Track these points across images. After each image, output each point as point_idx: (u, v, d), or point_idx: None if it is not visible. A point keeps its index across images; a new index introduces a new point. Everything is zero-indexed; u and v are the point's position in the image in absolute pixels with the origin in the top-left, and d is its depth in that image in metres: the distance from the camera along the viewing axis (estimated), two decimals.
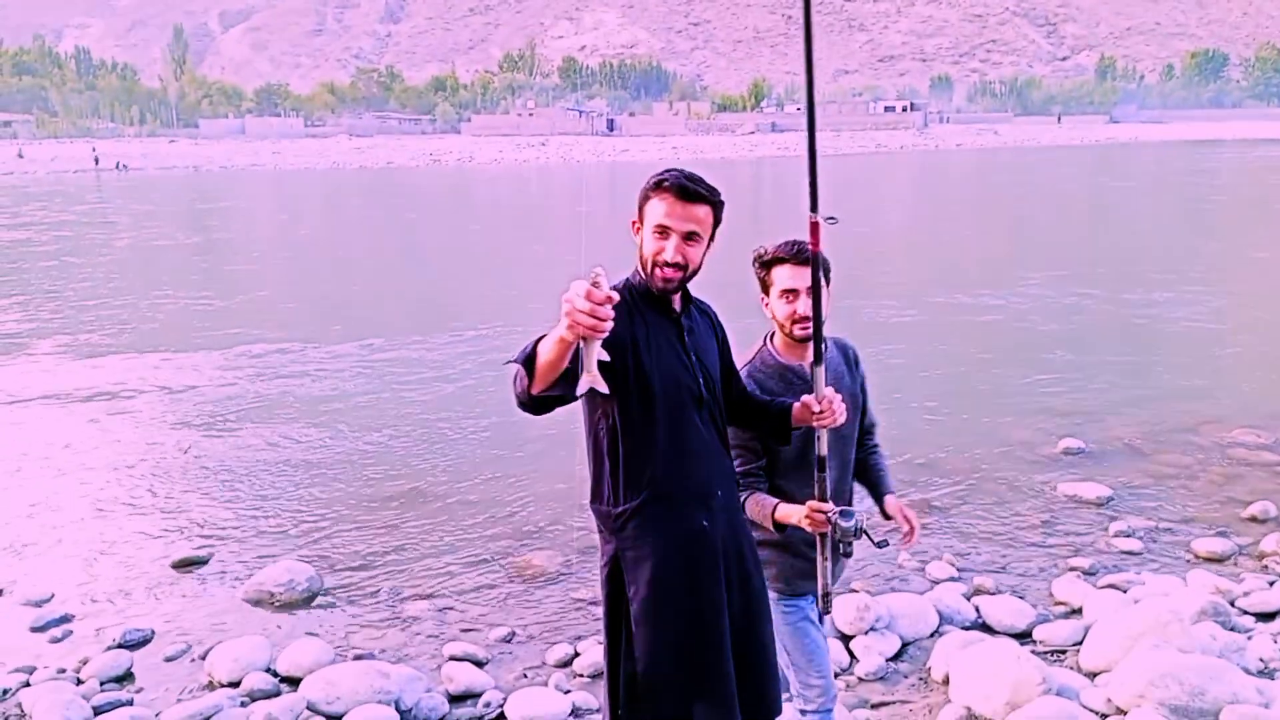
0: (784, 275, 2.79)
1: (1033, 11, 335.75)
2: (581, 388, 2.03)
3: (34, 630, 4.87)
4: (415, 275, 18.29)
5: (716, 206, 2.48)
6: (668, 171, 2.46)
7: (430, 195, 42.17)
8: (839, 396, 2.64)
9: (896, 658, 4.43)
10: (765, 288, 2.87)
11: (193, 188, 46.97)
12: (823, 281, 2.71)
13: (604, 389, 2.06)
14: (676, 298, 2.54)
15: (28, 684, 4.30)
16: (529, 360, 2.13)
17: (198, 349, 11.48)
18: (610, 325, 1.95)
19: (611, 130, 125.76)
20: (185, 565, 5.60)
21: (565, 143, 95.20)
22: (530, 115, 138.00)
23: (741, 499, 2.75)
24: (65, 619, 4.97)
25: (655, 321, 2.50)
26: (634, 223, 2.50)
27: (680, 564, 2.46)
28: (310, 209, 36.86)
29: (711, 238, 2.50)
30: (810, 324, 2.70)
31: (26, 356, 11.29)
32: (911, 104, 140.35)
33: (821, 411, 2.60)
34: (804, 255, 2.74)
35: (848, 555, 2.74)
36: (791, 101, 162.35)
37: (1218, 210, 29.22)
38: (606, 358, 2.05)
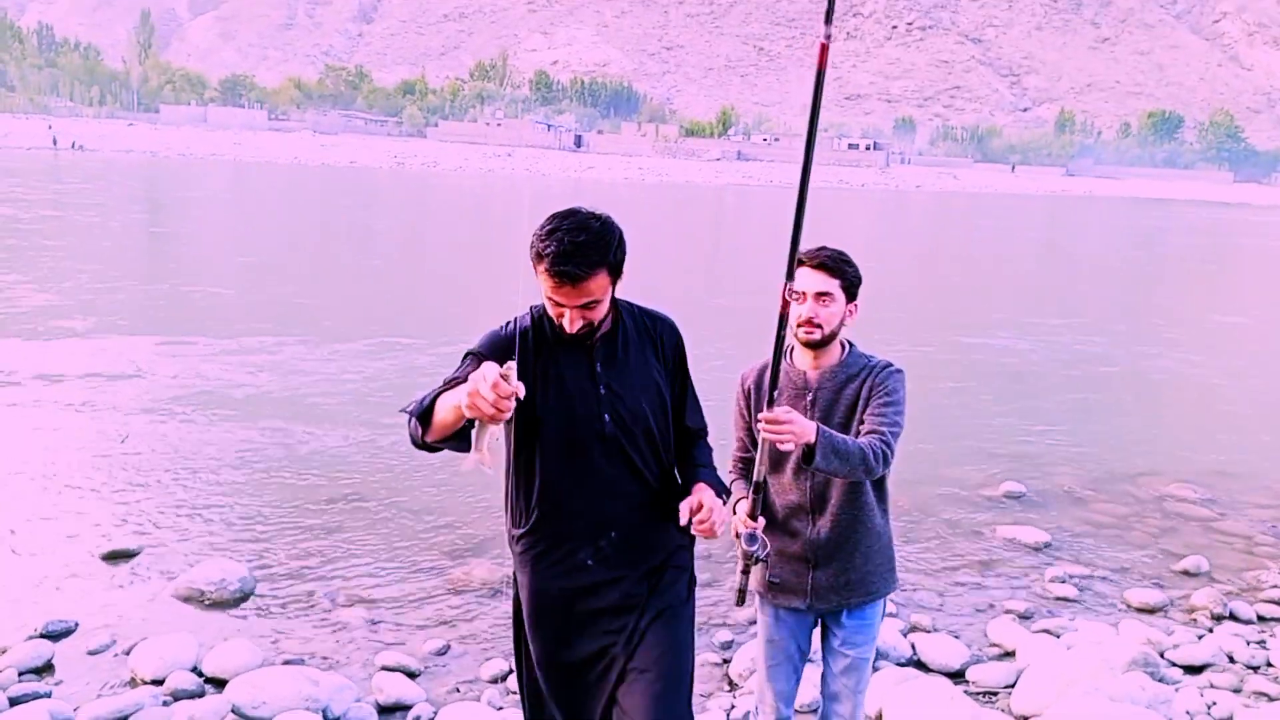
0: (800, 277, 2.79)
1: (998, 61, 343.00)
2: (467, 465, 2.05)
3: None
4: (372, 279, 18.12)
5: (613, 266, 2.33)
6: (547, 241, 2.25)
7: (391, 199, 41.86)
8: (795, 419, 2.53)
9: None
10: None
11: (150, 174, 46.16)
12: (840, 293, 2.80)
13: (489, 472, 2.08)
14: None
15: None
16: (425, 414, 2.19)
17: (144, 337, 11.26)
18: (508, 417, 1.96)
19: (579, 147, 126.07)
20: (115, 557, 5.45)
21: (531, 155, 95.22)
22: (498, 125, 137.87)
23: (729, 483, 2.83)
24: None
25: (562, 352, 2.43)
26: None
27: (553, 596, 2.51)
28: (269, 204, 36.40)
29: (617, 279, 2.38)
30: (815, 329, 2.80)
31: None
32: (875, 143, 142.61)
33: (769, 424, 2.55)
34: (820, 260, 2.80)
35: (745, 574, 2.73)
36: (758, 132, 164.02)
37: (1172, 266, 29.95)
38: (500, 440, 2.07)
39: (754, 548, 2.67)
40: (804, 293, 2.78)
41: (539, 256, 2.26)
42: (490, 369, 1.95)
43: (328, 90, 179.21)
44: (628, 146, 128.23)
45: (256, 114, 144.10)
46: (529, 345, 2.41)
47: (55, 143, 64.16)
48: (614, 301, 2.44)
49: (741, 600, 2.75)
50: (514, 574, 2.62)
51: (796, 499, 2.87)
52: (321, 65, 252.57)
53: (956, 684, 4.39)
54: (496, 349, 2.37)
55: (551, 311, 2.35)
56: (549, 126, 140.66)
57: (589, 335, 2.40)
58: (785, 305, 2.52)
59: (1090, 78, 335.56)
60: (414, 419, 2.20)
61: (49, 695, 4.03)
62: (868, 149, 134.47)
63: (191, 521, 6.06)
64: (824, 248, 2.82)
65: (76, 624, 4.68)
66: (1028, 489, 7.53)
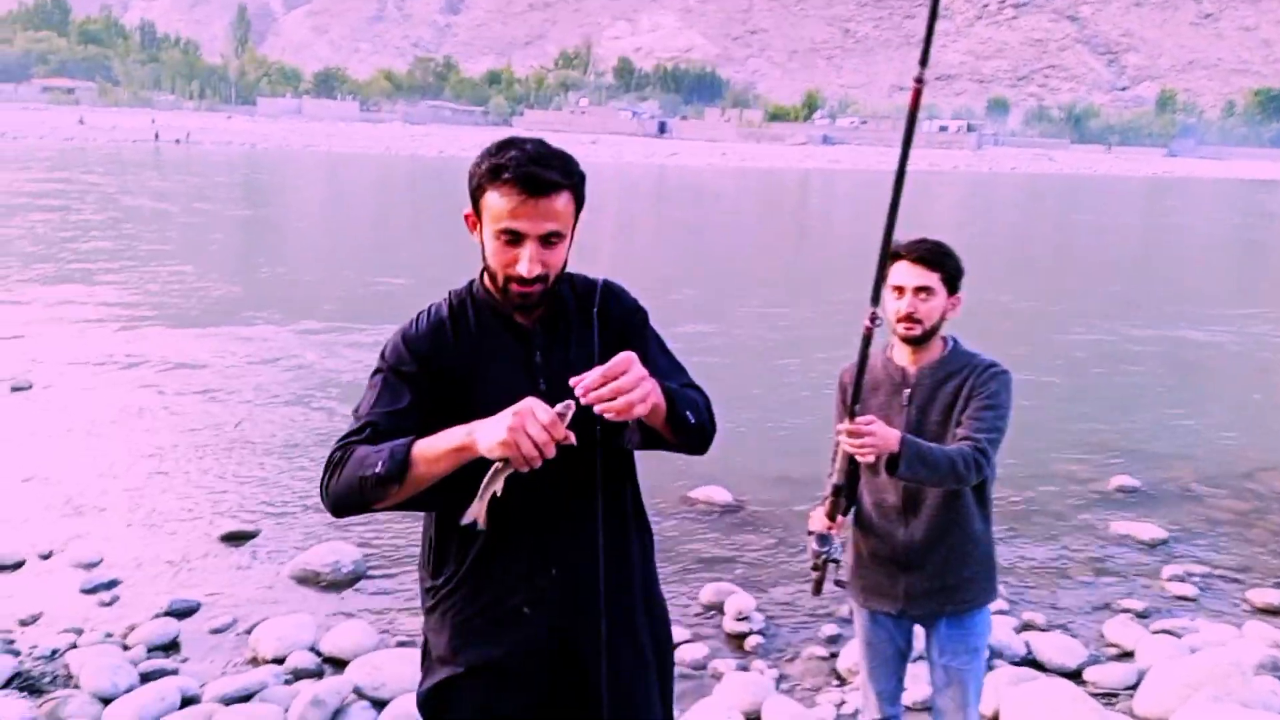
0: (898, 270, 2.70)
1: (1094, 40, 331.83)
2: (467, 518, 1.74)
3: (83, 592, 4.92)
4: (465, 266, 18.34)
5: (577, 188, 1.88)
6: (506, 151, 1.83)
7: None
8: (877, 430, 2.47)
9: None
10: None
11: (251, 165, 47.55)
12: (940, 286, 2.69)
13: (483, 526, 1.75)
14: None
15: (75, 646, 4.34)
16: (402, 469, 1.74)
17: (265, 325, 11.57)
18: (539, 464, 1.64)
19: (663, 133, 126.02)
20: (234, 539, 5.64)
21: (616, 142, 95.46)
22: (583, 113, 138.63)
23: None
24: (114, 584, 5.01)
25: (496, 344, 1.95)
26: (468, 216, 1.92)
27: (477, 665, 1.96)
28: (370, 194, 37.16)
29: (577, 216, 1.91)
30: (915, 325, 2.69)
31: (99, 323, 11.42)
32: (968, 125, 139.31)
33: (850, 435, 2.48)
34: (920, 253, 2.69)
35: (817, 570, 2.68)
36: (844, 115, 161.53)
37: None
38: (499, 492, 1.73)
39: (825, 549, 2.62)
40: (903, 287, 2.69)
41: (494, 172, 1.81)
42: (539, 405, 1.63)
43: (417, 81, 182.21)
44: (711, 132, 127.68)
45: (349, 105, 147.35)
46: (448, 340, 1.93)
47: (157, 136, 66.44)
48: (558, 282, 1.95)
49: (818, 590, 2.71)
50: (424, 644, 2.06)
51: (889, 499, 2.78)
52: (411, 57, 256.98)
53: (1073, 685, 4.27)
54: (420, 355, 1.91)
55: (499, 261, 1.85)
56: (634, 113, 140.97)
57: (526, 308, 1.91)
58: (868, 330, 2.44)
59: (1192, 55, 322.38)
60: (375, 480, 1.74)
61: (176, 672, 4.17)
62: (959, 131, 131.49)
63: (306, 504, 6.22)
64: (923, 240, 2.72)
65: (199, 603, 4.85)
66: (1141, 483, 7.27)
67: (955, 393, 2.70)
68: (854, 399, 2.55)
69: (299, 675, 4.18)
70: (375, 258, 19.03)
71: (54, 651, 4.26)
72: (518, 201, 1.81)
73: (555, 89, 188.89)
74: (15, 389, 8.40)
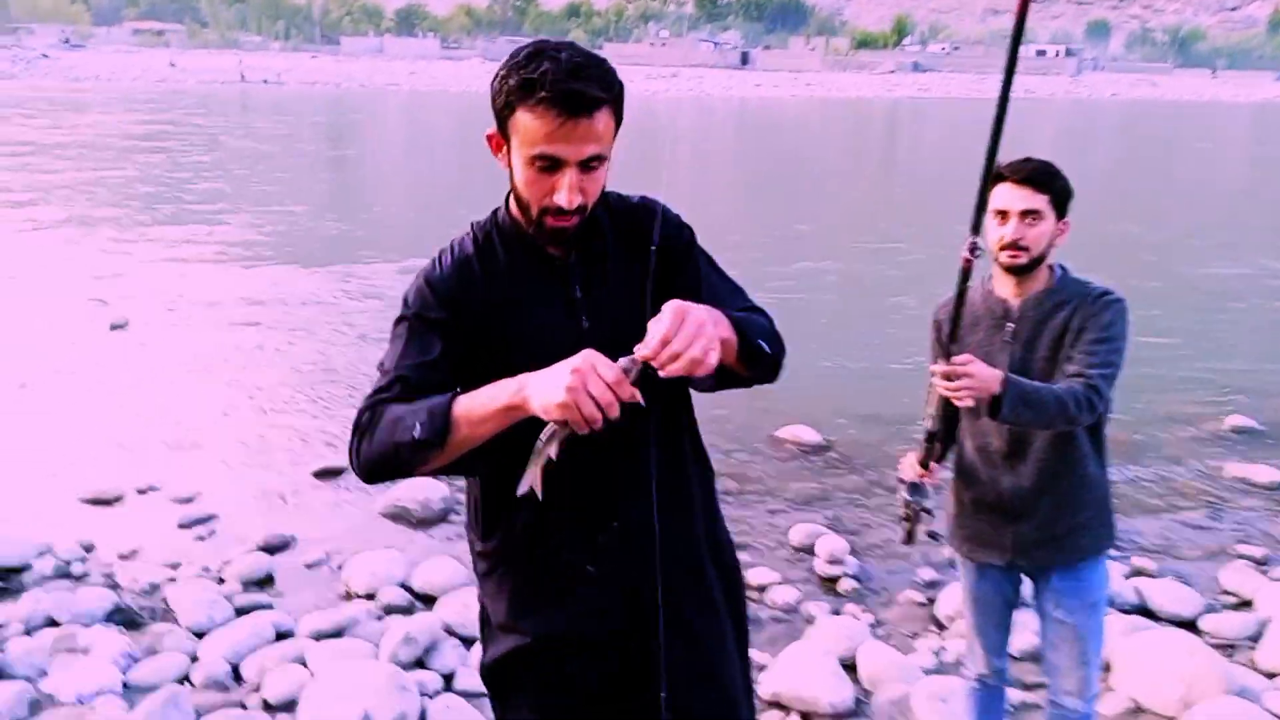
0: (1001, 193, 2.45)
1: None
2: (523, 487, 1.56)
3: (180, 527, 5.01)
4: None
5: (618, 101, 1.64)
6: (537, 63, 1.57)
7: None
8: (975, 370, 2.27)
9: None
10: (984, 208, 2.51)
11: (337, 105, 48.03)
12: (1049, 209, 2.45)
13: (540, 496, 1.57)
14: None
15: (173, 580, 4.41)
16: (443, 432, 1.56)
17: (364, 264, 11.59)
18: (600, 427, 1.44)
19: (745, 64, 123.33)
20: (326, 474, 5.69)
21: (696, 75, 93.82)
22: (663, 45, 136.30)
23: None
24: (210, 518, 5.10)
25: (530, 280, 1.74)
26: (491, 136, 1.68)
27: (544, 635, 1.81)
28: (453, 133, 37.25)
29: (614, 135, 1.66)
30: (1021, 253, 2.44)
31: (198, 263, 11.61)
32: (1067, 49, 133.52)
33: (945, 377, 2.28)
34: (1027, 173, 2.43)
35: (907, 520, 2.55)
36: (935, 41, 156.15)
37: None
38: (555, 456, 1.55)
39: (917, 498, 2.47)
40: (1007, 211, 2.43)
41: (526, 88, 1.56)
42: (601, 360, 1.43)
43: (496, 17, 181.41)
44: (796, 62, 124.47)
45: (429, 43, 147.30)
46: (477, 279, 1.72)
47: (243, 78, 67.39)
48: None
49: (909, 540, 2.58)
50: (481, 611, 1.92)
51: (994, 443, 2.56)
52: None
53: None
54: (447, 298, 1.70)
55: (534, 191, 1.63)
56: (715, 44, 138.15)
57: (563, 241, 1.70)
58: (967, 262, 2.22)
59: None
60: (414, 444, 1.57)
61: (271, 607, 4.21)
62: (1058, 55, 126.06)
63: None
64: (1028, 159, 2.46)
65: (294, 537, 4.90)
66: (1258, 423, 6.88)
67: (1064, 325, 2.46)
68: (950, 337, 2.36)
69: (390, 611, 4.19)
70: (462, 195, 19.05)
71: (152, 585, 4.34)
72: (556, 124, 1.56)
73: (635, 20, 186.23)
74: (114, 326, 8.60)
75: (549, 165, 1.60)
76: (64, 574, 4.43)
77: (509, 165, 1.67)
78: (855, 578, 4.66)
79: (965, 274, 2.27)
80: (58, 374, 7.36)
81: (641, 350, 1.46)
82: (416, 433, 1.56)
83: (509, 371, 1.57)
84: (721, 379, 1.66)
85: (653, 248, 1.70)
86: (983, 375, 2.27)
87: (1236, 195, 22.01)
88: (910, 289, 10.44)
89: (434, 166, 24.80)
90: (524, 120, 1.58)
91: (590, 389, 1.41)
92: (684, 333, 1.45)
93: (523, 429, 1.54)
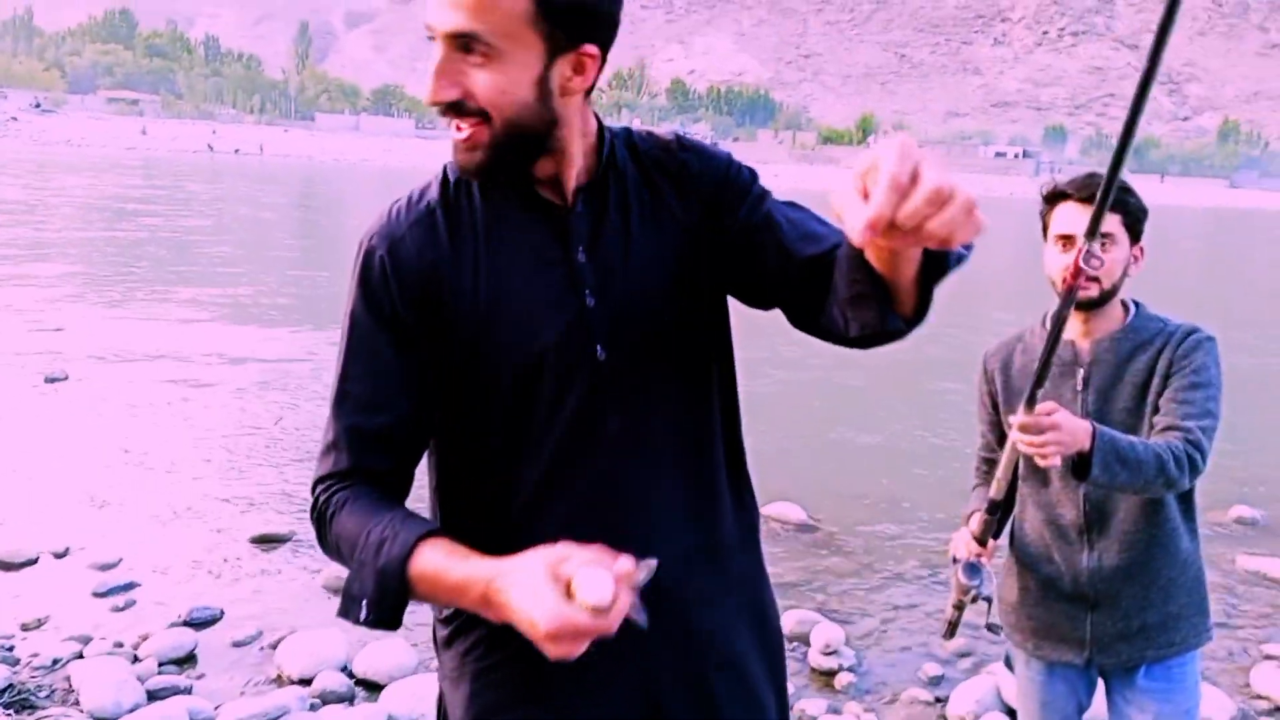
0: (1064, 214, 2.07)
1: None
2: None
3: (96, 596, 4.44)
4: None
5: None
6: None
7: None
8: (1062, 422, 1.83)
9: None
10: (1045, 233, 2.14)
11: (309, 178, 47.97)
12: (1122, 232, 2.06)
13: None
14: (565, 170, 1.26)
15: (80, 655, 3.86)
16: (392, 613, 1.17)
17: (306, 327, 11.19)
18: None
19: None
20: (265, 542, 5.14)
21: None
22: None
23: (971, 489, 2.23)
24: (130, 586, 4.54)
25: (513, 232, 1.26)
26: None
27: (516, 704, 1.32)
28: None
29: (561, 47, 1.18)
30: (1091, 284, 2.00)
31: (143, 321, 11.11)
32: (1024, 151, 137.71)
33: (1026, 428, 1.80)
34: (1094, 189, 1.87)
35: (958, 609, 2.13)
36: None
37: None
38: None
39: (974, 582, 2.04)
40: (1073, 236, 2.02)
41: None
42: (576, 617, 0.96)
43: None
44: (764, 154, 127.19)
45: (404, 122, 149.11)
46: (440, 240, 1.25)
47: (211, 148, 67.37)
48: (600, 127, 1.30)
49: (951, 634, 2.16)
50: (439, 704, 1.43)
51: (1067, 515, 2.14)
52: None
53: None
54: (400, 272, 1.24)
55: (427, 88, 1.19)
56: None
57: (471, 169, 1.22)
58: (1076, 274, 1.65)
59: (1257, 85, 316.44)
60: (362, 618, 1.17)
61: (189, 690, 3.67)
62: (1016, 157, 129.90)
63: None
64: (1093, 174, 2.03)
65: (222, 612, 4.35)
66: (1262, 515, 6.55)
67: (1148, 370, 2.08)
68: (1038, 380, 1.86)
69: (327, 699, 3.65)
70: None
71: (55, 661, 3.78)
72: None
73: (608, 109, 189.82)
74: (50, 380, 8.05)
75: (432, 43, 1.17)
76: None
77: None
78: (853, 670, 4.18)
79: (1069, 296, 1.70)
80: None
81: (868, 211, 0.86)
82: (362, 614, 1.16)
83: (485, 369, 1.20)
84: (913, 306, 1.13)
85: (685, 174, 1.30)
86: (1071, 427, 1.84)
87: (1202, 293, 22.22)
88: (897, 365, 10.17)
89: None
90: None
91: (577, 647, 0.97)
92: (928, 180, 0.87)
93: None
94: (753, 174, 1.37)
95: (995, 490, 2.01)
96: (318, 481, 1.27)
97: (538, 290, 1.25)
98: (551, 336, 1.21)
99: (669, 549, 1.22)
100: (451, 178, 1.30)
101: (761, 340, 9.31)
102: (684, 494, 1.31)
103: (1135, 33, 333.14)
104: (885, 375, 9.82)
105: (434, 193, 1.29)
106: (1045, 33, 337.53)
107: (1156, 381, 2.07)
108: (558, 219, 1.27)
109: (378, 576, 1.15)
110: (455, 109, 1.18)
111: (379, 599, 1.15)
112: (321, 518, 1.25)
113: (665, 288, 1.25)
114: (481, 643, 1.32)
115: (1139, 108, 1.55)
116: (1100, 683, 2.27)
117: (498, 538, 1.18)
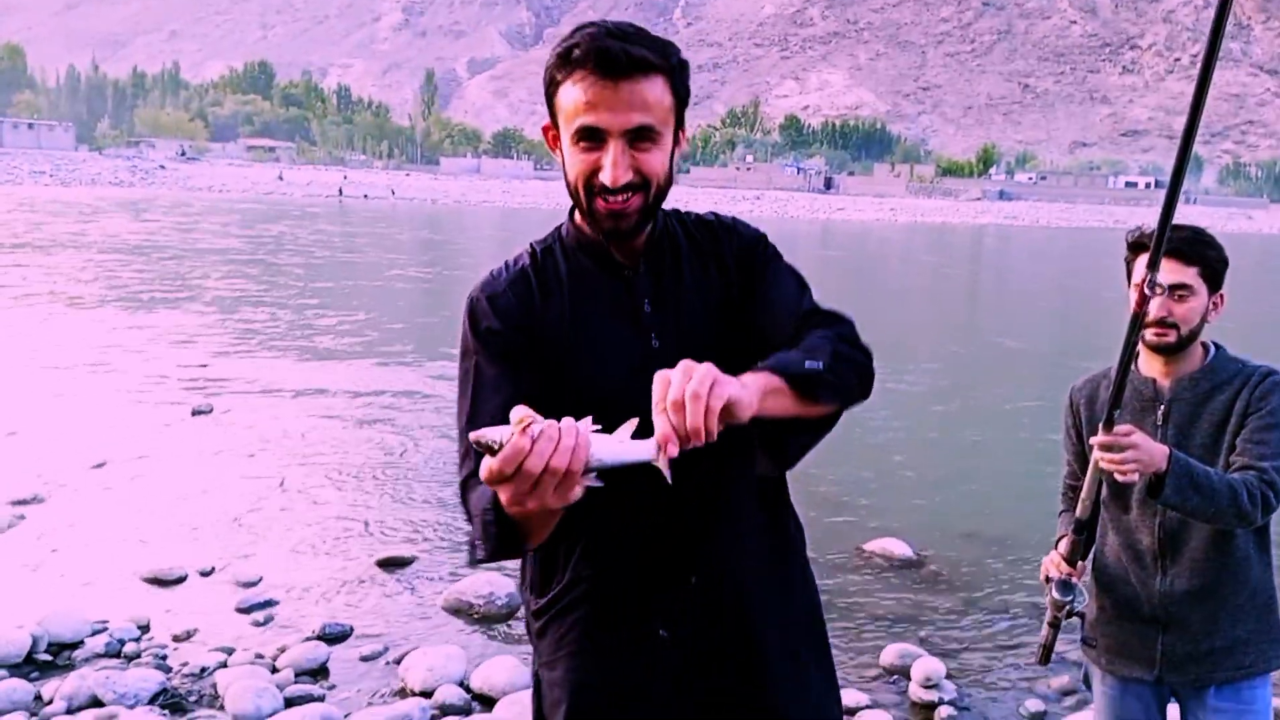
0: (1141, 266, 2.18)
1: None
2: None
3: (238, 611, 4.82)
4: None
5: (676, 75, 1.45)
6: (580, 30, 1.41)
7: None
8: (1140, 441, 2.00)
9: None
10: (1129, 279, 2.26)
11: (433, 218, 49.72)
12: (1201, 283, 2.17)
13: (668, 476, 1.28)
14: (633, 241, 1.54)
15: (225, 665, 4.21)
16: (503, 543, 1.38)
17: (429, 363, 11.66)
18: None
19: (829, 189, 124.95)
20: (390, 564, 5.48)
21: (780, 198, 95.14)
22: (748, 169, 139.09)
23: (1058, 513, 2.36)
24: (270, 603, 4.91)
25: (593, 288, 1.55)
26: (546, 129, 1.52)
27: (605, 701, 1.57)
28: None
29: (679, 125, 1.49)
30: (1169, 331, 2.16)
31: (283, 355, 11.83)
32: (1155, 181, 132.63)
33: (1108, 448, 2.00)
34: (1173, 244, 2.09)
35: (1053, 627, 2.26)
36: (1023, 170, 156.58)
37: None
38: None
39: (1068, 598, 2.17)
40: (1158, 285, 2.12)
41: (564, 56, 1.40)
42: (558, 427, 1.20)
43: None
44: (880, 187, 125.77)
45: (524, 164, 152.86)
46: (533, 295, 1.53)
47: (341, 192, 70.33)
48: (661, 198, 1.52)
49: (1046, 659, 2.28)
50: (534, 675, 1.69)
51: (1143, 540, 2.26)
52: None
53: None
54: (506, 312, 1.52)
55: (578, 170, 1.44)
56: (798, 169, 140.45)
57: (634, 226, 1.48)
58: (1141, 301, 1.91)
59: None
60: (486, 558, 1.41)
61: (322, 699, 3.97)
62: (1148, 187, 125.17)
63: (463, 533, 6.04)
64: (1178, 226, 2.11)
65: (351, 628, 4.67)
66: None
67: (1226, 409, 2.18)
68: (1114, 403, 2.03)
69: (446, 711, 3.90)
70: None
71: (203, 669, 4.14)
72: (594, 88, 1.38)
73: (721, 146, 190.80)
74: (196, 412, 8.65)
75: (590, 137, 1.41)
76: (116, 653, 4.27)
77: (562, 158, 1.50)
78: (954, 704, 4.22)
79: (1136, 321, 1.93)
80: (135, 454, 7.36)
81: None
82: (480, 553, 1.42)
83: (577, 388, 1.46)
84: (785, 441, 1.52)
85: (710, 246, 1.61)
86: (1148, 447, 2.00)
87: None
88: (1008, 400, 10.04)
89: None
90: (566, 93, 1.42)
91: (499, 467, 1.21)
92: (674, 390, 1.24)
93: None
94: (771, 249, 1.67)
95: (1081, 510, 2.17)
96: (461, 483, 1.53)
97: (613, 333, 1.53)
98: (624, 369, 1.46)
99: (730, 558, 1.53)
100: (539, 251, 1.60)
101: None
102: (748, 508, 1.57)
103: (1274, 58, 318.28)
104: (1001, 421, 9.72)
105: (526, 259, 1.60)
106: (1177, 59, 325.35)
107: (1234, 421, 2.17)
108: (628, 279, 1.56)
109: (480, 519, 1.39)
110: (628, 185, 1.44)
111: (484, 535, 1.38)
112: (464, 502, 1.50)
113: (715, 331, 1.54)
114: (577, 625, 1.57)
115: (1187, 149, 1.70)
116: (1174, 702, 2.35)
117: (580, 550, 1.52)
